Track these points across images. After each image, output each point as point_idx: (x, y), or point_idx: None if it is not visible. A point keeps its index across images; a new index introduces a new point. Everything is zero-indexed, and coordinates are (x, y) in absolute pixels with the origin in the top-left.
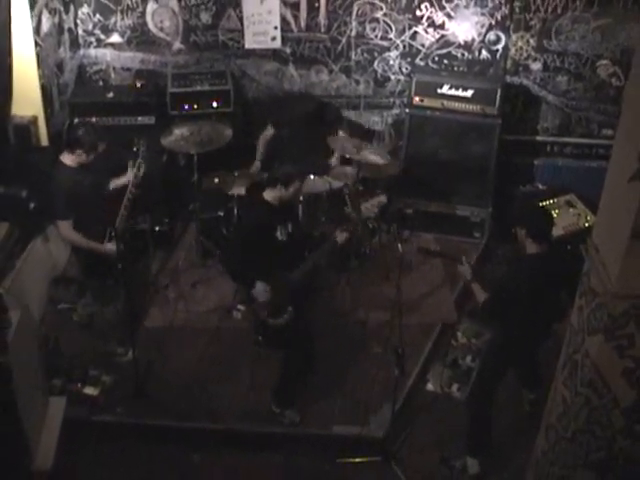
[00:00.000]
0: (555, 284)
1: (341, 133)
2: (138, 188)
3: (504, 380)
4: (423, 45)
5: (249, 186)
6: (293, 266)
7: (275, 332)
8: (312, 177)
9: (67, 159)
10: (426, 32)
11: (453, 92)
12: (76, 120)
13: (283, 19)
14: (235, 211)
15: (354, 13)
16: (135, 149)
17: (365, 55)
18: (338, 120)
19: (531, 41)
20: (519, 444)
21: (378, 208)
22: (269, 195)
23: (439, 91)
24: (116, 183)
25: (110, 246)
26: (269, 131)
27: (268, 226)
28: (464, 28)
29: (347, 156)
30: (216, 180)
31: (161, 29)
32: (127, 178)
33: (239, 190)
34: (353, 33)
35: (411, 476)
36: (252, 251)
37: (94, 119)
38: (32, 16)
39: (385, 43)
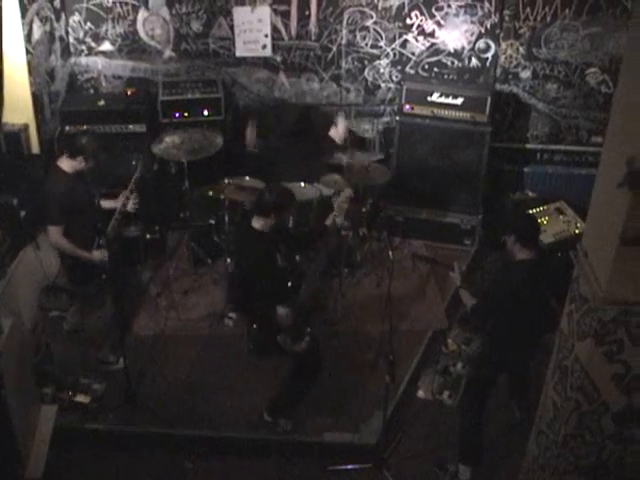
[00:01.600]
0: (544, 290)
1: (340, 120)
2: (135, 200)
3: (494, 389)
4: (413, 53)
5: (241, 216)
6: (297, 286)
7: (273, 343)
8: (302, 184)
9: (65, 165)
10: (416, 40)
11: (443, 100)
12: (67, 128)
13: (274, 27)
14: (226, 219)
15: (344, 21)
16: (134, 163)
17: (355, 63)
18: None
19: (521, 49)
20: (509, 450)
21: (347, 201)
22: (259, 224)
23: (429, 99)
24: (108, 204)
25: (97, 254)
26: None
27: (269, 257)
28: (454, 36)
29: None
30: (210, 193)
31: (152, 37)
32: (119, 201)
33: (230, 198)
34: (343, 41)
35: None
36: (261, 284)
37: (85, 127)
38: (23, 24)
39: (375, 51)
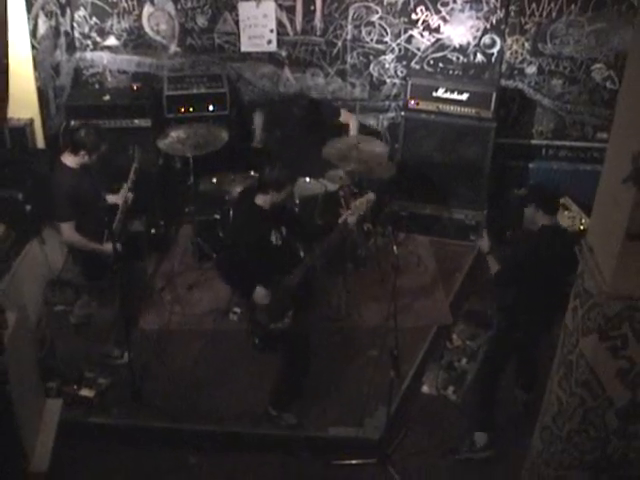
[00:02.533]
0: (564, 261)
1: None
2: (134, 192)
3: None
4: (418, 49)
5: (240, 192)
6: (289, 270)
7: (274, 336)
8: (307, 179)
9: (69, 160)
10: (422, 36)
11: (448, 95)
12: (72, 123)
13: (279, 22)
14: (231, 214)
15: (350, 16)
16: (130, 152)
17: (361, 58)
18: (335, 112)
19: (526, 45)
20: (513, 445)
21: (367, 206)
22: (260, 200)
23: (434, 94)
24: (112, 199)
25: (109, 246)
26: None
27: (262, 231)
28: (459, 32)
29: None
30: (214, 180)
31: (157, 32)
32: (121, 195)
33: (235, 193)
34: (349, 36)
35: (406, 478)
36: (248, 257)
37: (89, 122)
38: (29, 19)
39: (381, 46)
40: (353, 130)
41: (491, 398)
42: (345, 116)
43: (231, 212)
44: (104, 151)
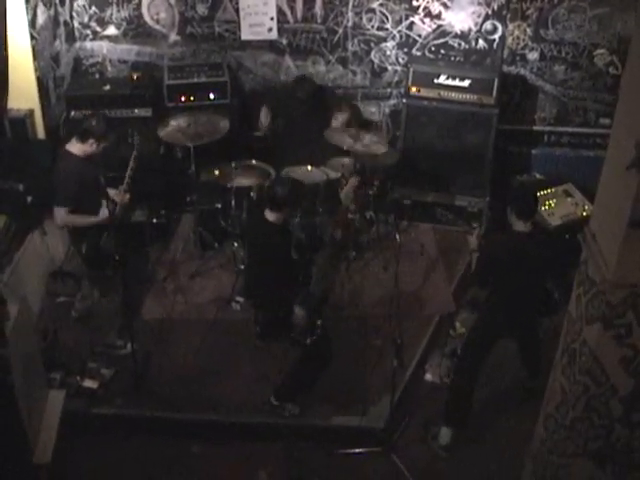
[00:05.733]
0: (536, 266)
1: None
2: (133, 186)
3: (506, 367)
4: (420, 35)
5: (250, 206)
6: (306, 278)
7: (281, 327)
8: (309, 168)
9: (75, 148)
10: (423, 22)
11: (450, 82)
12: (73, 113)
13: (279, 10)
14: (233, 203)
15: (350, 3)
16: (130, 141)
17: (362, 46)
18: (337, 101)
19: (528, 30)
20: (516, 431)
21: (353, 190)
22: (272, 217)
23: (436, 81)
24: (111, 193)
25: (104, 211)
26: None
27: (287, 249)
28: (461, 18)
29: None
30: (217, 172)
31: (157, 21)
32: (118, 194)
33: (237, 182)
34: (349, 24)
35: (410, 466)
36: (278, 275)
37: (90, 112)
38: (28, 9)
39: (382, 33)
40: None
41: (464, 394)
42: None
43: (233, 202)
44: (111, 142)
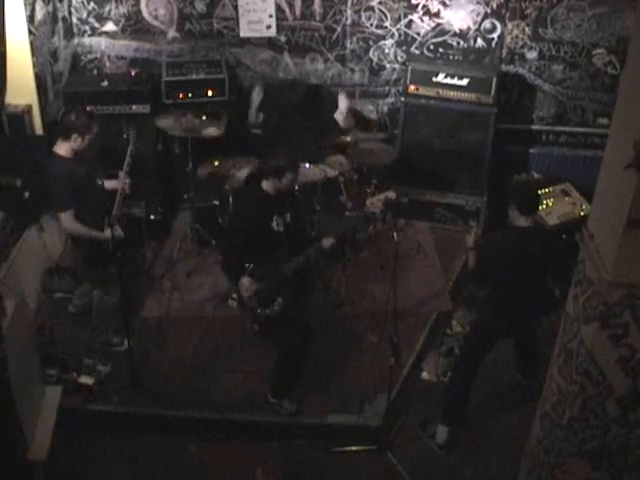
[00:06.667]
0: (534, 263)
1: (341, 98)
2: (132, 177)
3: (503, 365)
4: (418, 33)
5: (247, 176)
6: (289, 256)
7: (270, 322)
8: (307, 165)
9: (61, 149)
10: (421, 20)
11: (448, 81)
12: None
13: (278, 7)
14: (230, 199)
15: (349, 1)
16: (125, 136)
17: (360, 43)
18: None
19: (527, 30)
20: (512, 429)
21: (383, 203)
22: (265, 185)
23: (434, 80)
24: (110, 184)
25: (109, 232)
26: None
27: (262, 216)
28: (459, 16)
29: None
30: (216, 163)
31: (156, 17)
32: (119, 181)
33: (235, 178)
34: (348, 21)
35: (406, 464)
36: (244, 241)
37: (88, 108)
38: (26, 4)
39: (380, 31)
40: (342, 108)
41: (462, 393)
42: (339, 114)
43: (231, 197)
44: (96, 132)
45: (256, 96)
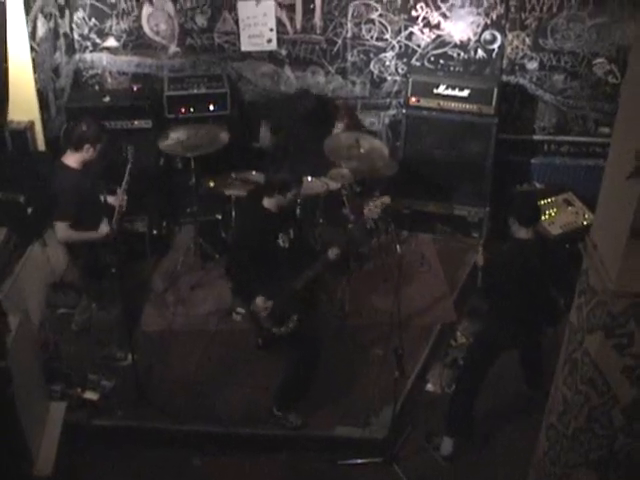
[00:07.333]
0: (538, 274)
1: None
2: (128, 194)
3: (508, 376)
4: (419, 45)
5: (248, 193)
6: (296, 272)
7: (280, 338)
8: (309, 178)
9: (70, 160)
10: (422, 32)
11: (449, 92)
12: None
13: (278, 21)
14: (233, 214)
15: (349, 14)
16: (124, 155)
17: (361, 56)
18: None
19: (527, 40)
20: (518, 441)
21: (381, 209)
22: (267, 202)
23: (435, 91)
24: (110, 200)
25: (104, 227)
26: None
27: (267, 234)
28: (460, 28)
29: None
30: (211, 184)
31: (157, 33)
32: (118, 198)
33: (237, 193)
34: (349, 34)
35: (412, 477)
36: (251, 260)
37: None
38: (27, 21)
39: (381, 44)
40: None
41: (466, 404)
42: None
43: (233, 213)
44: (105, 142)
45: (264, 132)
